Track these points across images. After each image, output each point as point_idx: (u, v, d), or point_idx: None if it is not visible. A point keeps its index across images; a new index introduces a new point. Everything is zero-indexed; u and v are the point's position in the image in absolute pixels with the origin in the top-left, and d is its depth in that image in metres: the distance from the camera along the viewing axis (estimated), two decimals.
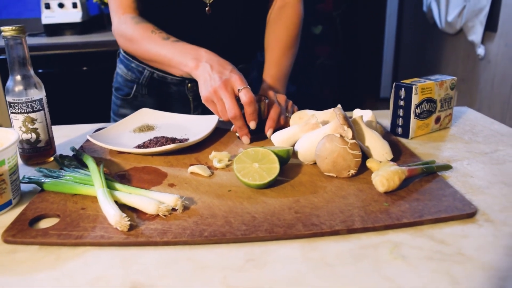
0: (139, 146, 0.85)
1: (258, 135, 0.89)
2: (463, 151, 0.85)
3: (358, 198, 0.66)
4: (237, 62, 1.15)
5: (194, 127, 0.94)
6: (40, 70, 2.25)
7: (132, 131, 0.94)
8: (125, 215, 0.59)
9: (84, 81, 2.36)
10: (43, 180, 0.71)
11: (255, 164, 0.70)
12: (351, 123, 0.74)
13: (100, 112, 1.57)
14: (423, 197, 0.66)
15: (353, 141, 0.72)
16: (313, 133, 0.77)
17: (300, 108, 0.97)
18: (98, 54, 2.30)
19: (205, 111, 1.15)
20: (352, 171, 0.72)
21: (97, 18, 2.72)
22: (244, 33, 1.15)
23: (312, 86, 2.24)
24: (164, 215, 0.62)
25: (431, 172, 0.73)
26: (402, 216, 0.61)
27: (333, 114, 0.83)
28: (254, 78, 1.26)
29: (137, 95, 1.17)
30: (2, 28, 0.77)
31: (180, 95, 1.15)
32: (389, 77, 4.12)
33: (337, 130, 0.74)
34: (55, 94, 2.43)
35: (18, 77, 0.80)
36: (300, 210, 0.63)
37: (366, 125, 0.80)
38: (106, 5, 2.54)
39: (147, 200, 0.62)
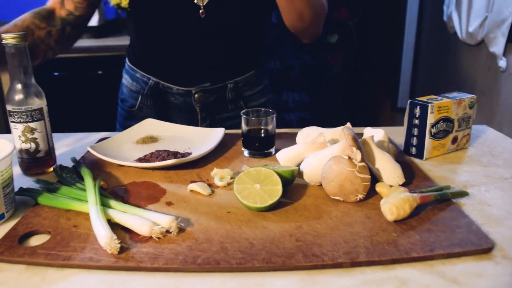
0: (140, 159, 0.82)
1: (262, 152, 0.86)
2: (480, 176, 0.80)
3: (365, 227, 0.62)
4: (242, 68, 1.13)
5: (199, 140, 0.91)
6: (55, 73, 2.26)
7: (135, 142, 0.92)
8: (115, 236, 0.56)
9: (98, 85, 2.35)
10: (37, 193, 0.69)
11: (256, 185, 0.66)
12: (360, 144, 0.70)
13: (113, 117, 1.55)
14: (435, 227, 0.62)
15: (362, 164, 0.68)
16: (320, 153, 0.73)
17: (312, 120, 0.92)
18: (113, 59, 2.30)
19: (213, 122, 1.12)
20: (360, 196, 0.68)
21: (113, 23, 2.72)
22: (244, 38, 1.11)
23: (325, 96, 2.20)
24: (158, 238, 0.58)
25: (445, 200, 0.69)
26: (411, 249, 0.57)
27: (342, 133, 0.79)
28: (265, 86, 1.22)
29: (142, 106, 1.14)
30: (3, 35, 0.75)
31: (186, 106, 1.12)
32: (407, 87, 4.05)
33: (345, 151, 0.70)
34: (68, 97, 2.44)
35: (19, 86, 0.78)
36: (302, 238, 0.60)
37: (377, 145, 0.76)
38: (123, 9, 2.54)
39: (141, 220, 0.59)
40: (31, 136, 0.79)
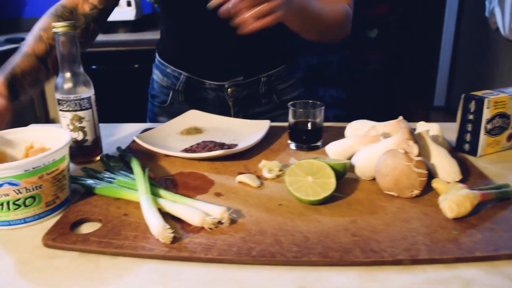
0: (186, 150, 0.81)
1: (309, 145, 0.84)
2: None
3: (422, 223, 0.60)
4: (275, 62, 1.10)
5: (243, 132, 0.90)
6: (93, 67, 2.29)
7: (179, 133, 0.91)
8: (168, 226, 0.55)
9: (134, 79, 2.37)
10: (87, 182, 0.69)
11: (309, 178, 0.65)
12: (417, 138, 0.67)
13: (124, 112, 1.55)
14: (497, 227, 0.58)
15: (419, 158, 0.65)
16: (373, 147, 0.70)
17: (349, 117, 0.88)
18: (149, 53, 2.30)
19: (246, 117, 1.10)
20: (416, 192, 0.65)
21: (149, 17, 2.74)
22: (276, 30, 1.07)
23: (362, 93, 2.15)
24: (210, 228, 0.57)
25: (506, 198, 0.65)
26: (474, 248, 0.54)
27: (395, 127, 0.76)
28: (298, 79, 1.18)
29: (174, 102, 1.13)
30: (54, 24, 0.76)
31: (219, 100, 1.09)
32: (444, 85, 3.95)
33: (400, 145, 0.68)
34: (105, 91, 2.46)
35: (68, 74, 0.78)
36: (358, 233, 0.57)
37: (431, 140, 0.73)
38: (157, 3, 2.55)
39: (193, 210, 0.58)
40: (79, 125, 0.79)
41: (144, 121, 1.21)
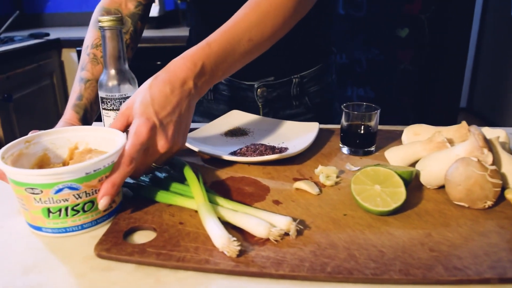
0: (234, 153, 0.77)
1: (363, 150, 0.79)
2: None
3: (501, 238, 0.55)
4: (308, 62, 1.04)
5: (291, 134, 0.85)
6: None
7: (223, 134, 0.87)
8: (234, 238, 0.51)
9: None
10: (136, 186, 0.65)
11: (376, 187, 0.60)
12: (491, 146, 0.62)
13: None
14: None
15: (494, 167, 0.60)
16: (442, 154, 0.66)
17: (380, 118, 0.79)
18: (173, 49, 2.28)
19: (276, 118, 1.06)
20: (489, 203, 0.61)
21: (172, 13, 2.71)
22: (309, 29, 1.02)
23: (392, 93, 2.10)
24: (276, 240, 0.53)
25: None
26: None
27: (459, 132, 0.71)
28: (332, 81, 1.13)
29: (203, 100, 1.09)
30: (100, 18, 0.72)
31: (248, 100, 1.05)
32: (466, 86, 3.87)
33: (473, 152, 0.63)
34: None
35: (113, 72, 0.74)
36: (436, 248, 0.53)
37: (501, 147, 0.68)
38: (183, 0, 2.51)
39: (258, 221, 0.54)
40: None
41: None
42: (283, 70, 1.02)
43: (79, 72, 0.87)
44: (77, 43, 2.27)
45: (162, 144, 0.62)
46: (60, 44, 2.27)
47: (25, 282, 0.49)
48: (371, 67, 2.06)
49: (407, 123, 0.97)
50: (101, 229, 0.58)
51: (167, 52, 2.29)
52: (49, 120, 2.22)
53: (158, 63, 2.31)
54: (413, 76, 2.10)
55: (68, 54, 2.30)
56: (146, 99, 0.62)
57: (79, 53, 2.27)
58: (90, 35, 0.90)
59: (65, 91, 2.37)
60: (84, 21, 2.84)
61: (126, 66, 0.75)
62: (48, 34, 2.29)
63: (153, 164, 0.65)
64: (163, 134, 0.62)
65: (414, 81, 2.10)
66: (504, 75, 3.31)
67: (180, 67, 0.65)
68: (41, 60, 2.15)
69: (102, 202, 0.56)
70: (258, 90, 1.03)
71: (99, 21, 0.71)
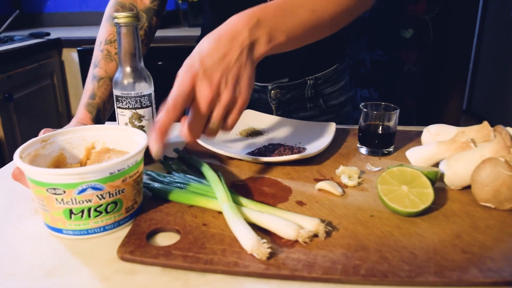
0: (252, 153, 0.76)
1: (382, 150, 0.78)
2: None
3: None
4: (324, 63, 1.02)
5: (307, 134, 0.84)
6: None
7: (238, 134, 0.86)
8: (264, 240, 0.49)
9: (158, 76, 2.32)
10: (156, 186, 0.63)
11: (404, 187, 0.59)
12: None
13: None
14: None
15: None
16: (466, 154, 0.65)
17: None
18: (174, 49, 2.26)
19: None
20: None
21: (173, 14, 2.69)
22: None
23: (395, 94, 2.09)
24: (305, 242, 0.52)
25: None
26: None
27: (481, 132, 0.70)
28: (346, 83, 1.12)
29: None
30: (116, 14, 0.70)
31: (260, 102, 1.03)
32: (466, 88, 3.87)
33: (499, 152, 0.62)
34: None
35: (128, 69, 0.72)
36: (467, 249, 0.52)
37: None
38: (183, 0, 2.50)
39: (286, 222, 0.52)
40: (138, 124, 0.73)
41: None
42: (297, 71, 1.00)
43: (92, 69, 0.85)
44: (77, 43, 2.24)
45: (206, 93, 0.58)
46: (61, 44, 2.25)
47: (48, 286, 0.47)
48: (375, 68, 2.05)
49: (411, 124, 0.96)
50: (122, 231, 0.57)
51: (167, 52, 2.26)
52: (49, 120, 2.20)
53: (159, 63, 2.29)
54: (417, 77, 2.09)
55: (69, 54, 2.27)
56: (193, 52, 0.60)
57: (79, 53, 2.24)
58: (103, 30, 0.88)
59: (65, 91, 2.35)
60: (83, 21, 2.82)
61: (142, 63, 0.74)
62: (48, 34, 2.26)
63: (214, 122, 0.60)
64: (207, 82, 0.58)
65: (418, 82, 2.09)
66: (504, 77, 3.32)
67: (233, 21, 0.62)
68: (42, 60, 2.12)
69: (154, 148, 0.56)
70: (272, 91, 1.00)
71: (115, 17, 0.70)
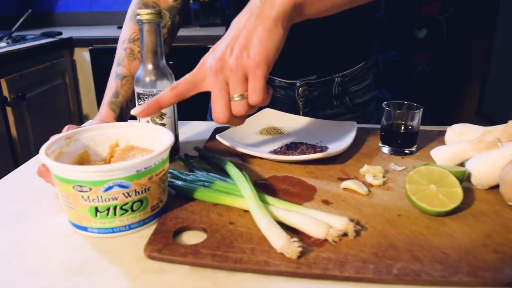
0: (275, 151, 0.75)
1: (404, 150, 0.77)
2: None
3: None
4: (351, 61, 1.02)
5: (328, 133, 0.83)
6: None
7: (258, 132, 0.85)
8: (294, 239, 0.49)
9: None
10: (180, 184, 0.63)
11: (432, 186, 0.58)
12: None
13: (183, 107, 1.49)
14: None
15: None
16: (493, 154, 0.64)
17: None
18: (185, 49, 2.26)
19: (316, 117, 1.04)
20: None
21: None
22: (353, 27, 1.00)
23: (408, 95, 2.08)
24: (334, 241, 0.51)
25: None
26: None
27: (508, 132, 0.69)
28: (371, 81, 1.11)
29: None
30: (138, 11, 0.70)
31: (288, 100, 1.03)
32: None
33: None
34: None
35: (150, 67, 0.72)
36: (499, 249, 0.51)
37: None
38: (194, 0, 2.50)
39: (315, 221, 0.52)
40: (160, 122, 0.73)
41: (200, 119, 1.15)
42: (325, 68, 1.00)
43: (115, 67, 0.85)
44: (89, 43, 2.25)
45: (211, 66, 0.55)
46: (73, 43, 2.25)
47: (75, 284, 0.47)
48: (388, 68, 2.04)
49: (423, 124, 0.95)
50: (147, 230, 0.56)
51: (178, 52, 2.26)
52: (61, 119, 2.20)
53: (171, 62, 2.29)
54: (430, 78, 2.08)
55: (80, 54, 2.28)
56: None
57: (91, 52, 2.24)
58: (127, 29, 0.88)
59: (76, 90, 2.35)
60: (93, 21, 2.82)
61: (164, 61, 0.73)
62: (60, 33, 2.27)
63: (232, 94, 0.55)
64: (212, 56, 0.56)
65: (431, 82, 2.08)
66: None
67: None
68: (54, 59, 2.13)
69: (137, 111, 0.58)
70: (300, 89, 1.00)
71: (138, 14, 0.70)
